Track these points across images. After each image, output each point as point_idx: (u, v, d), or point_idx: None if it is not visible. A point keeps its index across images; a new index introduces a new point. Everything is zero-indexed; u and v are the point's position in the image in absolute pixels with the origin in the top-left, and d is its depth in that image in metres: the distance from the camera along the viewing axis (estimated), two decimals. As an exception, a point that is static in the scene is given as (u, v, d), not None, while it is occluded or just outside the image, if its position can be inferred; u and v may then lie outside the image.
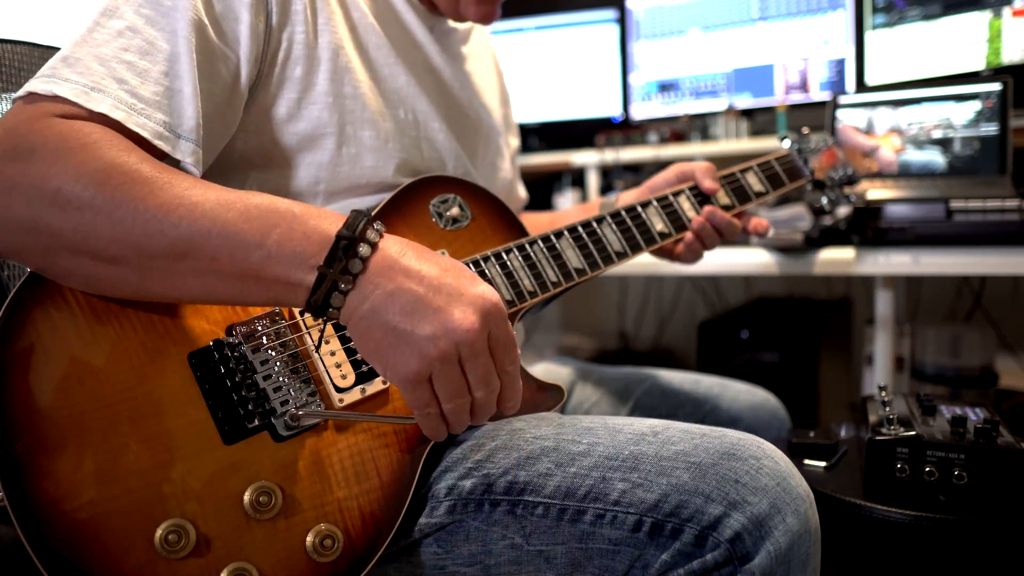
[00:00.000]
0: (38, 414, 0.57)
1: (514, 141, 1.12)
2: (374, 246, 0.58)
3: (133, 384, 0.60)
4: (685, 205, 0.92)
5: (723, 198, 0.96)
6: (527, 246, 0.80)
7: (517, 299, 0.78)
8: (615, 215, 0.87)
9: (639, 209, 0.89)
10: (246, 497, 0.61)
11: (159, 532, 0.57)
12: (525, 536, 0.66)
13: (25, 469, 0.56)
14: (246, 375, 0.64)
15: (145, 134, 0.62)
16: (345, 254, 0.57)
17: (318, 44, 0.76)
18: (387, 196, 0.80)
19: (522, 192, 1.14)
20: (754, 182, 0.99)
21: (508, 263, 0.78)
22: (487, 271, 0.78)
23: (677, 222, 0.91)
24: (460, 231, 0.80)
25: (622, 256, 0.85)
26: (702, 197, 0.94)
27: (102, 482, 0.57)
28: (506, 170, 1.03)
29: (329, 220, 0.59)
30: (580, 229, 0.84)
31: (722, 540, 0.60)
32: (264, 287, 0.58)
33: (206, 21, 0.67)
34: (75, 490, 0.56)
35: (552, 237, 0.82)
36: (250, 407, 0.63)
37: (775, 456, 0.66)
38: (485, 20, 0.89)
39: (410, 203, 0.80)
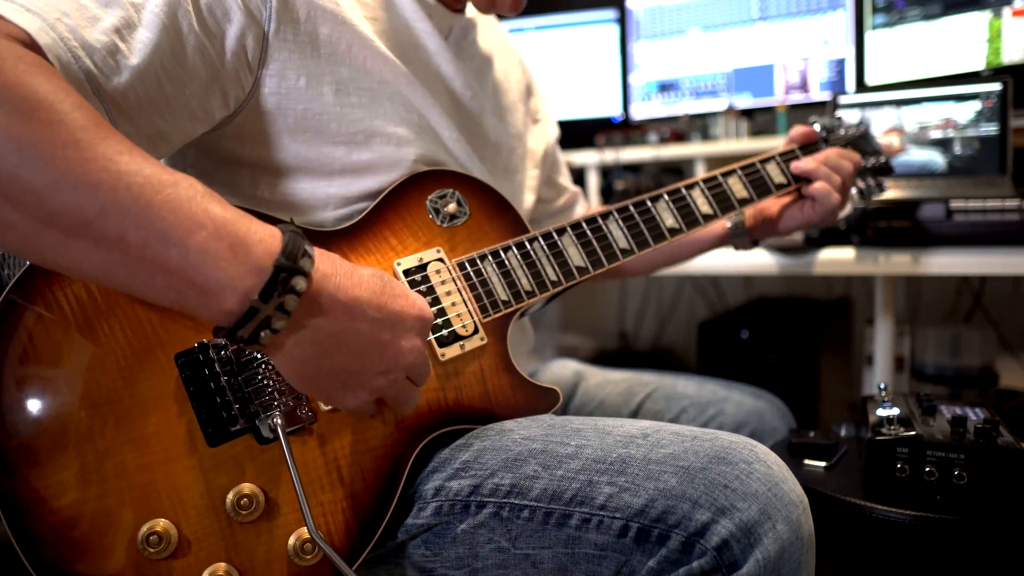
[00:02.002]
0: (27, 414, 0.57)
1: (549, 131, 1.10)
2: (309, 277, 0.53)
3: (120, 385, 0.60)
4: (699, 200, 0.88)
5: (740, 191, 0.91)
6: (527, 243, 0.79)
7: (514, 299, 0.77)
8: (622, 210, 0.84)
9: (648, 203, 0.85)
10: (229, 499, 0.61)
11: (142, 532, 0.58)
12: (511, 539, 0.66)
13: (13, 467, 0.56)
14: (231, 377, 0.63)
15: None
16: (284, 288, 0.52)
17: (324, 55, 0.74)
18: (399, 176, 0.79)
19: (567, 184, 1.14)
20: (775, 173, 0.95)
21: (506, 261, 0.77)
22: (484, 270, 0.77)
23: (689, 216, 0.87)
24: (458, 228, 0.79)
25: (627, 253, 0.82)
26: (719, 191, 0.90)
27: (87, 482, 0.57)
28: (528, 171, 1.02)
29: (258, 236, 0.53)
30: (584, 225, 0.81)
31: (709, 547, 0.59)
32: (174, 288, 0.52)
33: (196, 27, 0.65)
34: (61, 489, 0.57)
35: (554, 234, 0.80)
36: (234, 410, 0.63)
37: (768, 460, 0.65)
38: (515, 7, 0.87)
39: (407, 198, 0.78)
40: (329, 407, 0.66)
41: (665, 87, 1.92)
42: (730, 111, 1.81)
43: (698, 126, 1.88)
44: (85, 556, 0.57)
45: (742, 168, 0.93)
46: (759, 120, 1.88)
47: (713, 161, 1.80)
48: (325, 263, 0.56)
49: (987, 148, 1.32)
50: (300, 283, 0.53)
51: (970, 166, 1.33)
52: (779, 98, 1.79)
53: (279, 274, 0.52)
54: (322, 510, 0.64)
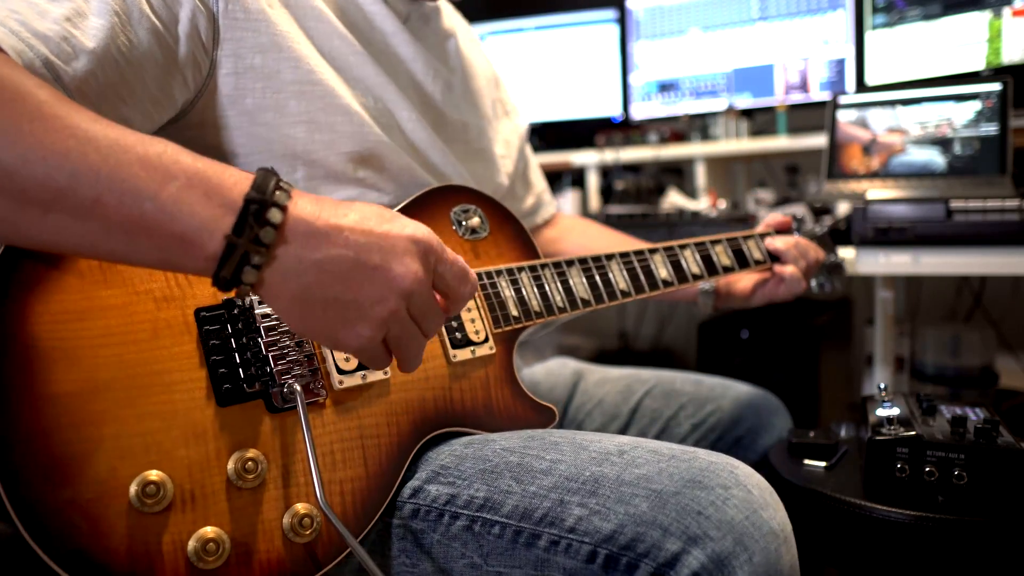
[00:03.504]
0: (32, 341, 0.55)
1: (519, 124, 1.11)
2: (284, 209, 0.52)
3: (134, 329, 0.59)
4: (689, 259, 0.95)
5: (724, 259, 0.98)
6: (539, 268, 0.83)
7: (524, 317, 0.80)
8: (624, 255, 0.90)
9: (647, 255, 0.92)
10: (231, 463, 0.60)
11: (136, 483, 0.56)
12: (483, 556, 0.65)
13: (8, 397, 0.54)
14: (252, 339, 0.63)
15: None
16: (257, 221, 0.51)
17: (277, 32, 0.73)
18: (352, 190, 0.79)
19: (537, 181, 1.14)
20: (754, 249, 1.02)
21: (519, 280, 0.81)
22: (498, 284, 0.80)
23: (679, 272, 0.94)
24: (477, 242, 0.82)
25: (625, 295, 0.88)
26: (706, 255, 0.97)
27: (85, 422, 0.55)
28: (501, 157, 1.01)
29: (233, 179, 0.52)
30: (590, 262, 0.86)
31: None
32: (156, 245, 0.51)
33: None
34: (55, 425, 0.54)
35: (563, 264, 0.84)
36: (252, 370, 0.63)
37: (748, 484, 0.62)
38: None
39: (431, 207, 0.81)
40: (342, 358, 0.66)
41: (665, 87, 1.92)
42: (730, 111, 1.81)
43: (698, 126, 1.89)
44: (73, 499, 0.54)
45: (727, 240, 1.01)
46: (759, 120, 1.88)
47: (713, 161, 1.80)
48: (309, 201, 0.54)
49: (987, 148, 1.32)
50: (275, 215, 0.51)
51: (970, 166, 1.33)
52: (779, 98, 1.79)
53: (250, 206, 0.51)
54: (324, 488, 0.64)
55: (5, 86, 0.49)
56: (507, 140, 1.05)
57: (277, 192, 0.52)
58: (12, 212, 0.49)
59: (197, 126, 0.73)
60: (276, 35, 0.73)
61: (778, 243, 1.02)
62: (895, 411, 0.89)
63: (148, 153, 0.51)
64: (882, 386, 0.98)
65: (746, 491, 0.61)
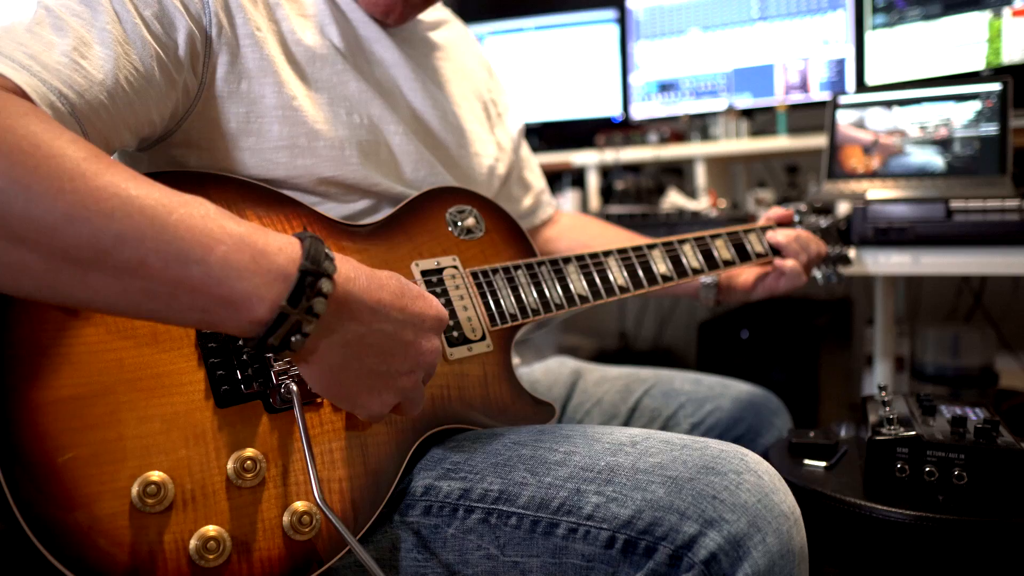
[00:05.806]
0: (35, 347, 0.56)
1: (513, 125, 1.09)
2: (333, 280, 0.54)
3: (134, 333, 0.59)
4: (689, 254, 0.95)
5: (725, 253, 0.98)
6: (535, 265, 0.83)
7: (520, 314, 0.80)
8: (622, 251, 0.89)
9: (645, 250, 0.91)
10: (230, 463, 0.60)
11: (137, 484, 0.56)
12: (500, 547, 0.65)
13: (12, 402, 0.54)
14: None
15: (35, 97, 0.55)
16: (311, 291, 0.53)
17: (264, 56, 0.74)
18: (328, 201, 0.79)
19: (535, 181, 1.13)
20: (755, 242, 1.02)
21: (516, 278, 0.81)
22: (495, 282, 0.80)
23: (679, 267, 0.93)
24: (472, 241, 0.82)
25: (624, 291, 0.87)
26: (706, 249, 0.96)
27: (87, 426, 0.56)
28: (489, 160, 0.99)
29: (277, 244, 0.53)
30: (587, 259, 0.86)
31: (697, 560, 0.58)
32: (199, 306, 0.51)
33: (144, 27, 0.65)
34: (58, 429, 0.55)
35: (560, 261, 0.85)
36: (250, 371, 0.63)
37: (759, 470, 0.64)
38: (387, 15, 0.84)
39: (427, 208, 0.81)
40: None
41: (665, 87, 1.92)
42: (730, 111, 1.81)
43: (698, 126, 1.89)
44: (75, 499, 0.55)
45: (727, 234, 1.00)
46: (759, 120, 1.88)
47: (713, 161, 1.80)
48: (346, 266, 0.57)
49: (987, 148, 1.32)
50: (326, 285, 0.53)
51: (970, 166, 1.33)
52: (779, 98, 1.79)
53: (305, 278, 0.52)
54: (323, 486, 0.64)
55: (41, 142, 0.49)
56: (499, 143, 1.04)
57: (326, 262, 0.54)
58: (52, 271, 0.49)
59: (182, 145, 0.73)
60: (262, 59, 0.74)
61: (779, 236, 1.02)
62: (895, 411, 0.89)
63: (192, 215, 0.51)
64: (882, 386, 0.98)
65: (757, 476, 0.63)
